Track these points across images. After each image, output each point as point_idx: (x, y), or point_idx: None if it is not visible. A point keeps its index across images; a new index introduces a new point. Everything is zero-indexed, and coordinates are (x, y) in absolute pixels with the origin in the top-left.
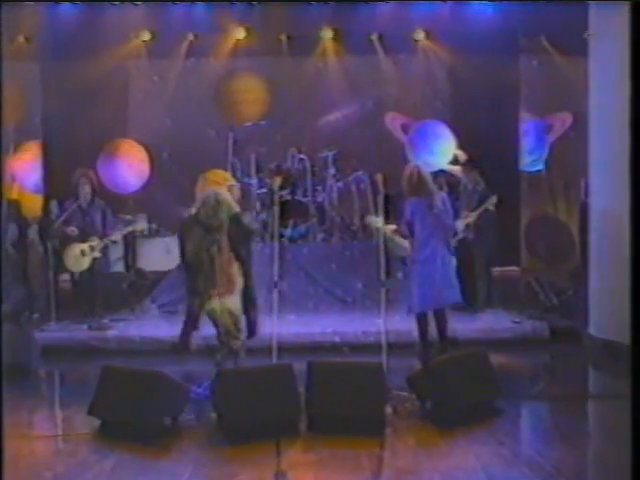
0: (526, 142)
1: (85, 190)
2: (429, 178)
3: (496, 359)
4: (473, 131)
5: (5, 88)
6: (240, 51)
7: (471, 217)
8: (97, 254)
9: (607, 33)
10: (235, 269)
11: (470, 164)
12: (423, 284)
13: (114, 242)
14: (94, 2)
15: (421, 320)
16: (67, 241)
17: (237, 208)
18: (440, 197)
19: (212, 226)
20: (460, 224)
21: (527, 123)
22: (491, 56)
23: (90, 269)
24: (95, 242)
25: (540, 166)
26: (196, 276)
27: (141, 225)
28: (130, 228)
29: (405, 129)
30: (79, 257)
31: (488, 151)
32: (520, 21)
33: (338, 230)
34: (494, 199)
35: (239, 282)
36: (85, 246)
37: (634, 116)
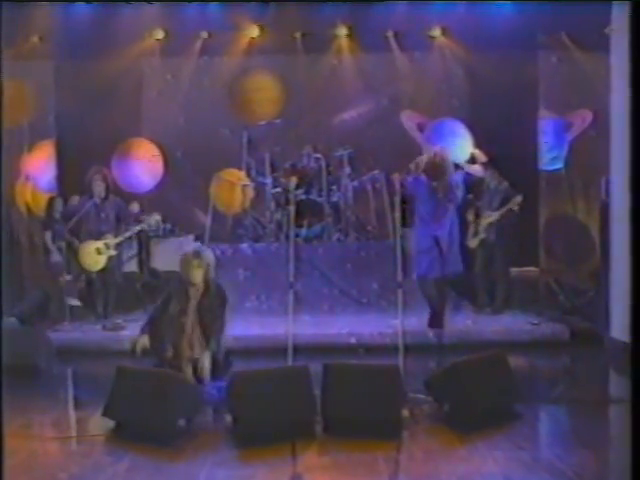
0: (545, 140)
1: (99, 187)
2: (451, 162)
3: (514, 362)
4: (490, 129)
5: (19, 87)
6: (254, 49)
7: (494, 216)
8: (112, 252)
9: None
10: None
11: (488, 163)
12: (430, 250)
13: (129, 238)
14: (108, 2)
15: (425, 285)
16: (80, 240)
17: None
18: (455, 179)
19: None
20: (482, 224)
21: (546, 121)
22: (509, 53)
23: (104, 268)
24: (110, 239)
25: (559, 165)
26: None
27: (154, 218)
28: (145, 224)
29: (421, 127)
30: (94, 255)
31: (506, 150)
32: (539, 17)
33: (353, 230)
34: (519, 199)
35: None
36: (100, 244)
37: (634, 116)
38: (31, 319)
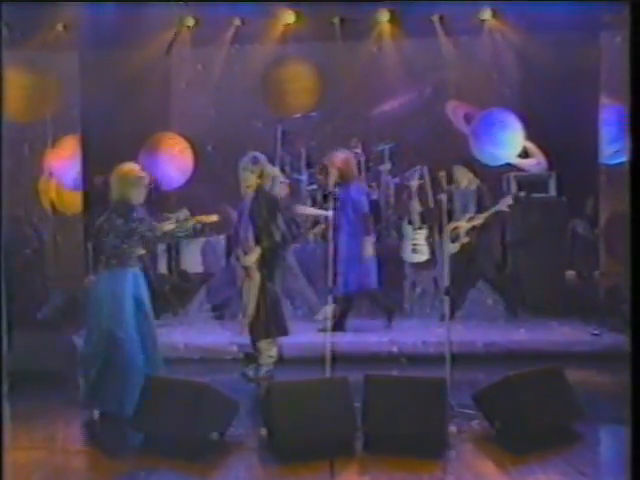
0: (607, 131)
1: None
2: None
3: (572, 376)
4: (545, 120)
5: (42, 79)
6: (289, 36)
7: (478, 220)
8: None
9: None
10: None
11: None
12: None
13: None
14: None
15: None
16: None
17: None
18: (356, 185)
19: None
20: (464, 227)
21: (608, 110)
22: (567, 35)
23: None
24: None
25: (622, 158)
26: None
27: (184, 214)
28: (173, 220)
29: (468, 119)
30: None
31: (562, 142)
32: None
33: (395, 230)
34: (509, 199)
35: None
36: None
37: (634, 115)
38: (55, 323)
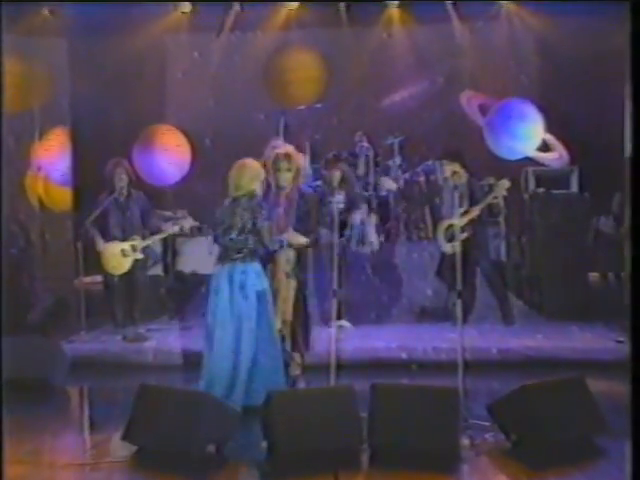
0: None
1: (122, 181)
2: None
3: (595, 385)
4: (567, 111)
5: (28, 67)
6: (292, 23)
7: (473, 213)
8: (139, 255)
9: None
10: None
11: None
12: None
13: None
14: None
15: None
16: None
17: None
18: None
19: None
20: (457, 225)
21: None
22: (590, 19)
23: (128, 272)
24: (137, 241)
25: None
26: None
27: (189, 223)
28: (177, 227)
29: (484, 110)
30: (120, 258)
31: (585, 134)
32: None
33: (404, 228)
34: (506, 183)
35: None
36: (126, 245)
37: (634, 115)
38: (43, 328)
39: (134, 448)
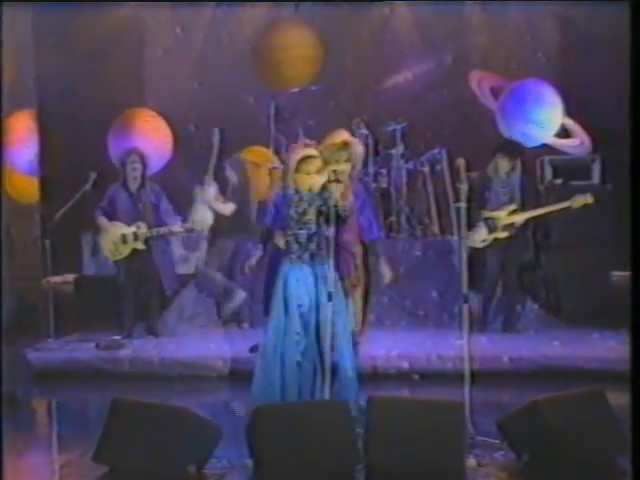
0: None
1: (135, 171)
2: None
3: (615, 399)
4: (588, 93)
5: None
6: None
7: (534, 213)
8: (140, 245)
9: None
10: None
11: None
12: None
13: (172, 234)
14: None
15: None
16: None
17: None
18: None
19: None
20: (503, 220)
21: None
22: None
23: (137, 263)
24: (142, 229)
25: None
26: None
27: (206, 223)
28: (189, 225)
29: (495, 93)
30: (119, 243)
31: (606, 120)
32: None
33: (407, 223)
34: (589, 198)
35: None
36: (129, 231)
37: (634, 115)
38: (5, 335)
39: (106, 469)
